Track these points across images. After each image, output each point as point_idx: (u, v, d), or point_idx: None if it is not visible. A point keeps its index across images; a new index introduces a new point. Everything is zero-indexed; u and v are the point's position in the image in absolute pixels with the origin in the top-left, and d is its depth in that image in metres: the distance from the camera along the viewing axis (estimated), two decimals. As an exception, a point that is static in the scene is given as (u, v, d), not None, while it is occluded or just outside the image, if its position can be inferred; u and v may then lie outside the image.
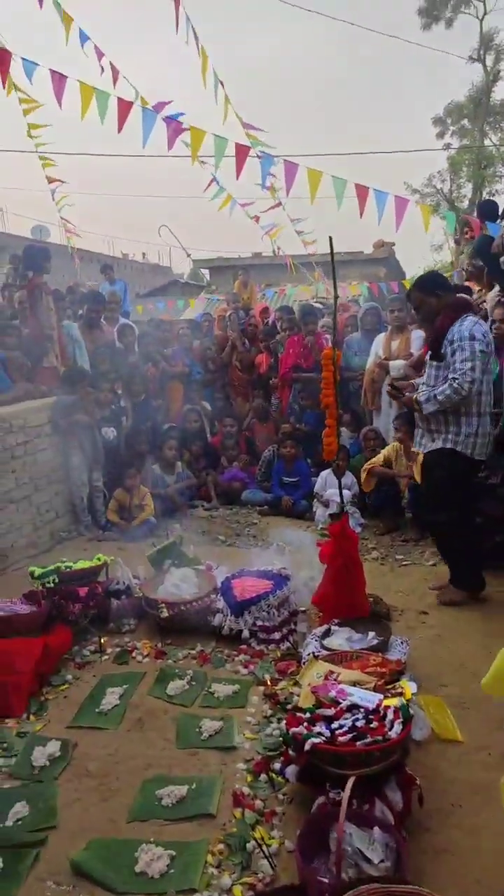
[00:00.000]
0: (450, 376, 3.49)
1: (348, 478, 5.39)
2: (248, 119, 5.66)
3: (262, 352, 7.14)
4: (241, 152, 5.31)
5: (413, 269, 24.54)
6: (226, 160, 5.34)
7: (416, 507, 4.91)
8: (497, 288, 5.09)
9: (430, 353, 3.71)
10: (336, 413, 3.41)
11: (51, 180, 7.63)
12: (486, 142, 22.89)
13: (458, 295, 3.90)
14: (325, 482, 5.51)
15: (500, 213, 5.87)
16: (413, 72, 45.87)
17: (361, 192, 5.39)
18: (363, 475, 5.25)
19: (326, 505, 5.38)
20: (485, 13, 22.02)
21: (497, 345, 4.23)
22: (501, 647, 1.89)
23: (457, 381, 3.45)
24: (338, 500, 5.19)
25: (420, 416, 3.67)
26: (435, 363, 3.62)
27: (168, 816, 2.19)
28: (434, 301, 3.65)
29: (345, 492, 5.26)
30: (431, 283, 3.77)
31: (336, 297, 3.30)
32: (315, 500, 5.54)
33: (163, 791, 2.28)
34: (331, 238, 3.02)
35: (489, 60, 22.30)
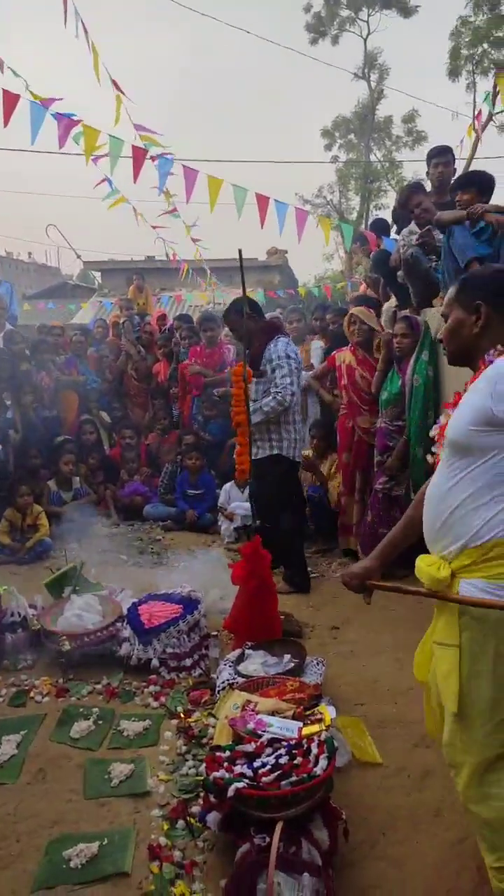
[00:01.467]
0: (272, 390, 4.02)
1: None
2: (141, 120, 5.49)
3: (158, 360, 6.97)
4: (139, 155, 5.13)
5: (305, 276, 25.21)
6: (122, 162, 5.14)
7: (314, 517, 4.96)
8: (393, 300, 5.24)
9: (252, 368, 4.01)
10: (248, 431, 3.33)
11: None
12: (372, 157, 23.90)
13: (269, 319, 4.43)
14: (229, 495, 5.43)
15: (390, 229, 6.09)
16: (303, 84, 47.19)
17: (262, 202, 5.38)
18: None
19: (231, 518, 5.30)
20: (369, 33, 22.97)
21: (399, 358, 4.34)
22: (412, 661, 1.88)
23: (280, 395, 4.01)
24: (243, 512, 5.16)
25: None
26: (256, 380, 4.07)
27: (78, 880, 2.00)
28: (251, 324, 3.93)
29: (244, 504, 5.22)
30: (248, 307, 4.00)
31: (245, 311, 3.23)
32: (220, 513, 5.45)
33: (71, 851, 2.08)
34: (240, 251, 2.95)
35: (373, 79, 23.30)
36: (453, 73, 19.24)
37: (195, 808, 2.22)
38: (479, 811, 1.67)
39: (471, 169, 5.65)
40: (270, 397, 4.02)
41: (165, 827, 2.19)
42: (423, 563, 1.69)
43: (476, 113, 7.09)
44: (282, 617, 3.54)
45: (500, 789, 1.64)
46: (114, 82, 5.38)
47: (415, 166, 22.84)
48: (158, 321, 8.15)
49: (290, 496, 4.23)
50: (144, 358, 7.02)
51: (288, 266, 19.83)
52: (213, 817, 2.02)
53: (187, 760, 2.53)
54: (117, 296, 13.28)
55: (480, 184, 3.94)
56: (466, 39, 18.71)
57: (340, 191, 25.05)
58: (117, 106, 5.50)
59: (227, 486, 5.49)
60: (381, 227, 6.19)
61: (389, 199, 23.14)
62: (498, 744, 1.62)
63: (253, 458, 3.90)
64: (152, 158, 5.22)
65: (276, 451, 4.13)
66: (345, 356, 4.82)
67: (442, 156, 4.78)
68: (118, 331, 7.53)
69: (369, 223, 9.27)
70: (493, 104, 7.86)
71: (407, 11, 22.20)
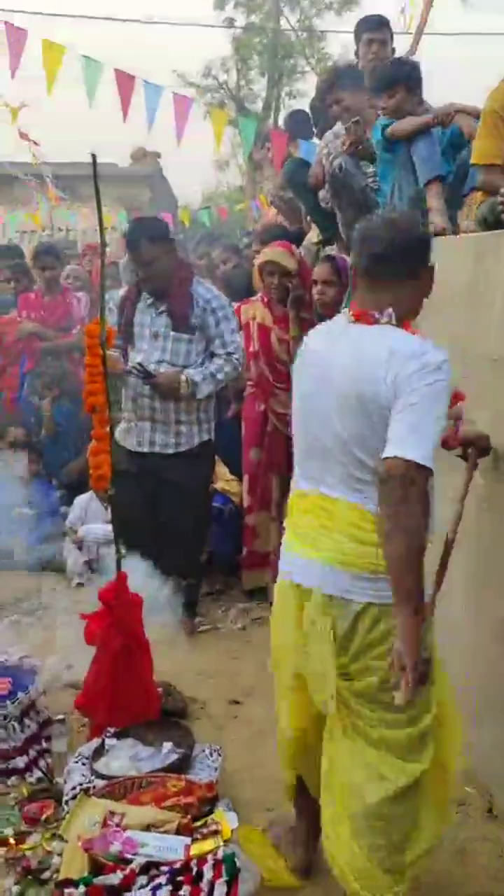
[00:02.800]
0: (222, 351, 4.30)
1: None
2: None
3: None
4: None
5: (189, 192, 25.28)
6: None
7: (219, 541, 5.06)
8: (315, 232, 5.41)
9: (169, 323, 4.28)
10: (107, 418, 3.35)
11: None
12: (283, 24, 24.30)
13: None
14: (85, 512, 5.41)
15: (312, 128, 6.24)
16: None
17: (125, 82, 5.38)
18: None
19: (81, 548, 5.28)
20: None
21: (321, 315, 4.49)
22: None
23: (235, 356, 4.31)
24: (97, 538, 5.16)
25: (155, 406, 4.26)
26: (184, 335, 4.27)
27: None
28: (169, 259, 4.23)
29: (97, 527, 5.21)
30: (164, 230, 4.28)
31: (103, 240, 3.26)
32: (66, 538, 5.41)
33: None
34: (94, 155, 2.97)
35: None
36: None
37: None
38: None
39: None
40: (222, 360, 4.28)
41: None
42: None
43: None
44: (158, 690, 3.60)
45: None
46: None
47: (342, 38, 23.32)
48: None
49: (210, 494, 4.71)
50: None
51: (163, 176, 19.87)
52: None
53: (21, 906, 2.53)
54: None
55: (408, 77, 4.14)
56: None
57: (238, 69, 25.27)
58: None
59: (83, 498, 5.47)
60: (299, 124, 6.31)
61: (309, 85, 23.63)
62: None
63: (174, 451, 4.29)
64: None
65: (206, 437, 4.42)
66: (255, 311, 4.90)
67: (377, 30, 4.96)
68: None
69: (282, 117, 9.41)
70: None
71: None
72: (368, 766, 2.23)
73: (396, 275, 2.25)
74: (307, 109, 5.79)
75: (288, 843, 2.72)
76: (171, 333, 4.26)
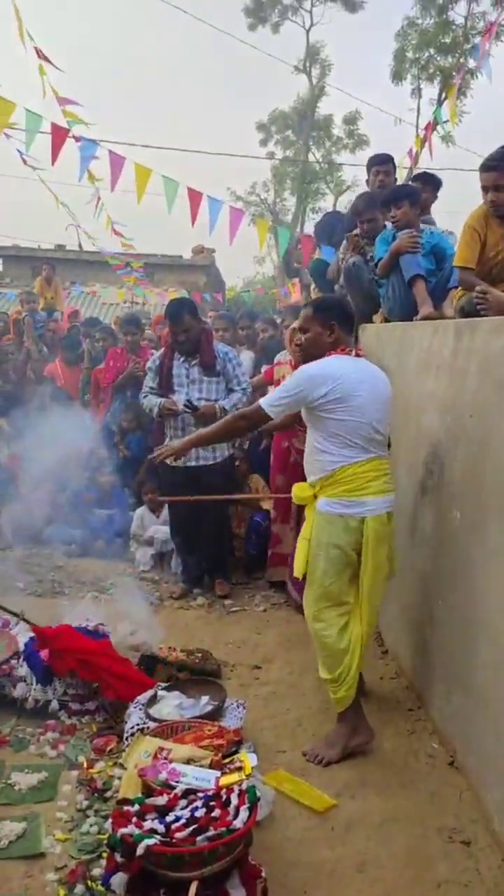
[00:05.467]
0: (236, 387, 4.60)
1: (166, 513, 5.33)
2: (66, 95, 5.45)
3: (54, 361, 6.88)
4: (59, 134, 5.09)
5: (233, 279, 25.51)
6: (39, 140, 5.08)
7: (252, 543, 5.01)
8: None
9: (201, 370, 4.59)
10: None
11: None
12: (310, 157, 24.60)
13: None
14: (142, 521, 5.40)
15: (334, 237, 6.25)
16: (239, 72, 48.01)
17: (195, 197, 5.44)
18: None
19: (151, 544, 5.26)
20: (311, 24, 23.74)
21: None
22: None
23: (246, 389, 4.64)
24: (162, 537, 5.16)
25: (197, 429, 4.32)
26: (213, 378, 4.58)
27: None
28: (201, 324, 4.66)
29: (162, 528, 5.22)
30: (196, 307, 4.66)
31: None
32: (133, 540, 5.40)
33: (-49, 924, 2.02)
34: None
35: (314, 73, 24.06)
36: (397, 76, 20.12)
37: (97, 871, 2.19)
38: (315, 631, 2.92)
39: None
40: (238, 393, 4.58)
41: (62, 893, 2.15)
42: (297, 489, 2.96)
43: (426, 124, 7.44)
44: (199, 655, 3.57)
45: (327, 629, 2.86)
46: (37, 50, 5.34)
47: (354, 171, 23.56)
48: (70, 318, 8.05)
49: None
50: (46, 359, 6.91)
51: (215, 266, 20.03)
52: (118, 879, 2.00)
53: (89, 817, 2.49)
54: (21, 287, 12.98)
55: (411, 195, 4.17)
56: (412, 42, 19.65)
57: (276, 190, 25.61)
58: (41, 77, 5.44)
59: (140, 510, 5.47)
60: (329, 227, 6.31)
61: (327, 203, 23.85)
62: (324, 600, 2.87)
63: (205, 463, 4.49)
64: (76, 139, 5.20)
65: (229, 452, 4.70)
66: (284, 371, 4.91)
67: (384, 164, 5.00)
68: (19, 327, 7.37)
69: (307, 226, 9.44)
70: (440, 112, 8.30)
71: (352, 6, 23.08)
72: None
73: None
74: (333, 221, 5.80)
75: (352, 731, 2.91)
76: (204, 378, 4.56)
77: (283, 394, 2.87)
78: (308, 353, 3.01)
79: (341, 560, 2.82)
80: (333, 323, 2.92)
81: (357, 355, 2.95)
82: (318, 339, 2.94)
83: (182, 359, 4.59)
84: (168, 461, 4.24)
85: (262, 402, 2.92)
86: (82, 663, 3.13)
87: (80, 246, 13.62)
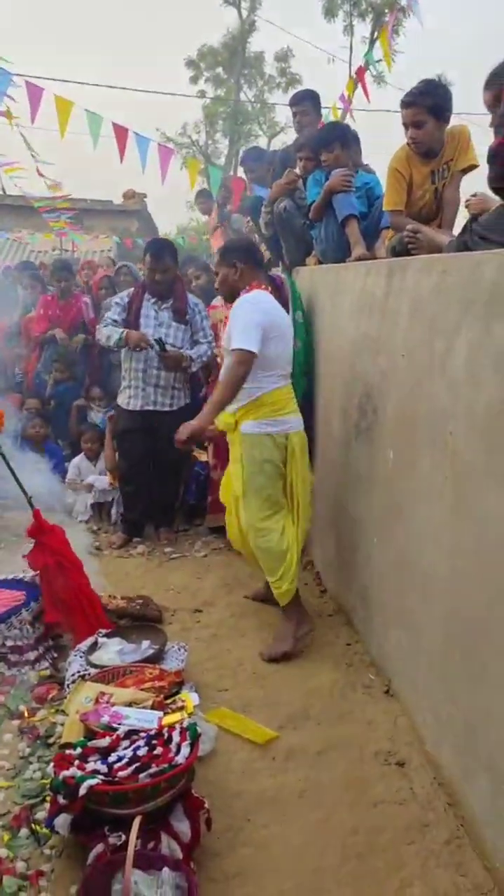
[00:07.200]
0: (204, 339, 4.58)
1: (102, 462, 5.26)
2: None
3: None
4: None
5: (166, 226, 24.84)
6: None
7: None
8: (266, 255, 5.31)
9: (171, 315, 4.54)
10: None
11: None
12: (242, 96, 23.87)
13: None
14: (79, 469, 5.31)
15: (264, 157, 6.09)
16: (164, 5, 45.63)
17: (120, 133, 5.21)
18: None
19: (89, 491, 5.18)
20: (240, -47, 22.72)
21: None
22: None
23: (211, 344, 4.57)
24: (101, 486, 5.09)
25: (160, 374, 4.46)
26: (182, 325, 4.54)
27: None
28: (176, 270, 4.62)
29: (102, 478, 5.16)
30: (176, 251, 4.54)
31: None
32: (69, 489, 5.31)
33: None
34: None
35: (244, 6, 23.14)
36: (329, 12, 19.63)
37: (41, 814, 2.21)
38: (257, 545, 3.24)
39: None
40: (205, 345, 4.57)
41: (6, 837, 2.15)
42: (220, 417, 3.21)
43: (358, 67, 7.28)
44: (139, 602, 3.57)
45: (270, 534, 3.20)
46: None
47: (288, 111, 23.04)
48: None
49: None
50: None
51: (147, 212, 19.43)
52: (62, 820, 2.02)
53: (31, 763, 2.49)
54: None
55: (341, 137, 4.08)
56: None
57: (207, 131, 24.83)
58: None
59: (76, 460, 5.38)
60: (254, 158, 6.17)
61: (261, 145, 23.28)
62: (265, 509, 3.22)
63: (162, 409, 4.48)
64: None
65: (187, 400, 4.64)
66: (220, 314, 4.83)
67: (300, 103, 4.85)
68: None
69: (241, 151, 9.21)
70: (371, 54, 8.13)
71: None
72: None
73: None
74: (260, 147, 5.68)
75: (298, 623, 3.27)
76: (173, 323, 4.50)
77: (251, 329, 3.07)
78: (222, 292, 3.49)
79: (275, 472, 3.21)
80: (235, 262, 3.28)
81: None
82: (225, 278, 3.33)
83: (153, 300, 4.51)
84: (124, 405, 4.51)
85: (240, 343, 3.05)
86: (59, 566, 3.18)
87: (2, 190, 12.93)
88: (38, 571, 3.22)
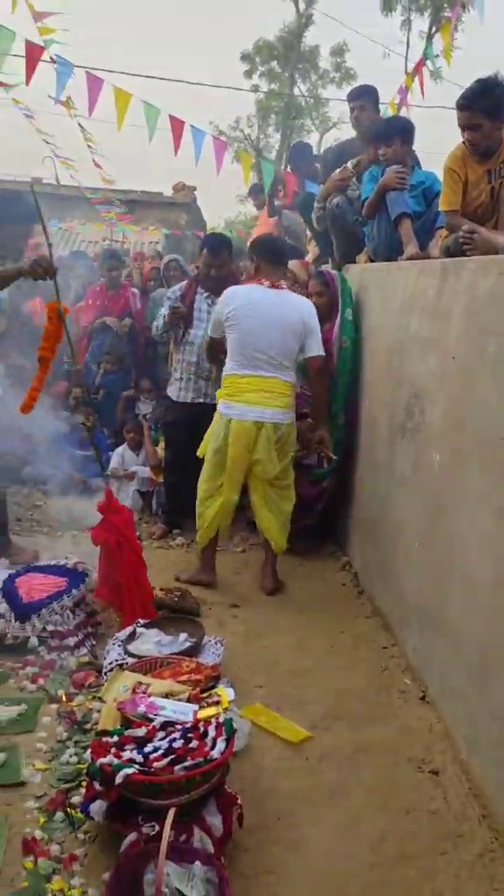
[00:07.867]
0: None
1: (144, 453, 5.30)
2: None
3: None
4: (33, 53, 4.81)
5: (215, 219, 24.87)
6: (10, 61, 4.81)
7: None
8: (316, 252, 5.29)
9: None
10: (48, 368, 3.48)
11: None
12: (296, 90, 23.70)
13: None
14: (122, 459, 5.36)
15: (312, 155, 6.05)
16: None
17: (177, 126, 5.22)
18: None
19: (132, 479, 5.23)
20: None
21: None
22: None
23: None
24: (145, 475, 5.15)
25: (211, 369, 4.43)
26: None
27: None
28: (231, 265, 4.53)
29: (144, 468, 5.21)
30: (232, 247, 4.49)
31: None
32: (112, 477, 5.36)
33: None
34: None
35: (302, 1, 22.94)
36: (387, 6, 19.35)
37: (76, 799, 2.23)
38: (200, 512, 3.91)
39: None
40: None
41: (42, 820, 2.19)
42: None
43: (417, 62, 7.16)
44: (178, 594, 3.59)
45: (209, 506, 3.83)
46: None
47: (342, 106, 22.83)
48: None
49: None
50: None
51: (196, 205, 19.45)
52: (97, 807, 2.04)
53: (68, 748, 2.52)
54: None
55: (403, 130, 4.02)
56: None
57: (260, 125, 24.75)
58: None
59: (120, 449, 5.42)
60: (300, 155, 6.13)
61: (312, 142, 23.13)
62: (210, 478, 3.85)
63: (213, 402, 4.29)
64: (52, 60, 4.91)
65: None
66: None
67: (358, 98, 4.75)
68: (-2, 262, 7.13)
69: (291, 147, 9.10)
70: (430, 48, 8.00)
71: None
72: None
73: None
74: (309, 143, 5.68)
75: (200, 568, 3.94)
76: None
77: (212, 318, 3.85)
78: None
79: (220, 450, 3.69)
80: (253, 256, 3.82)
81: (273, 286, 3.67)
82: (247, 272, 3.89)
83: (206, 294, 4.48)
84: (174, 397, 4.65)
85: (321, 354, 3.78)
86: (119, 545, 3.23)
87: (56, 180, 13.07)
88: (99, 547, 3.28)
